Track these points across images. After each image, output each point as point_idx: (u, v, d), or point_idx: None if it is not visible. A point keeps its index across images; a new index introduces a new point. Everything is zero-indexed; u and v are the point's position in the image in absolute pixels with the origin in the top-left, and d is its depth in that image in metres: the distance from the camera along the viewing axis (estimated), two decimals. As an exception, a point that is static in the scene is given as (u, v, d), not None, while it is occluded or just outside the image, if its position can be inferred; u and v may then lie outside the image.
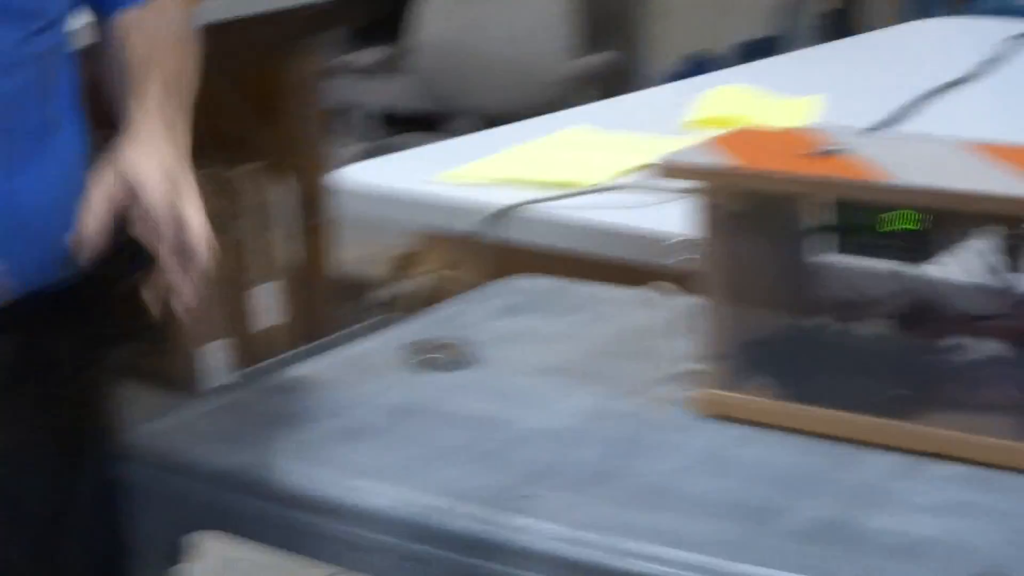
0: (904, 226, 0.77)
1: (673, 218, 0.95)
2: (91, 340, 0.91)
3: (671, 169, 0.86)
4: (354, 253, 2.39)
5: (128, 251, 0.84)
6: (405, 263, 1.49)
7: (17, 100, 0.86)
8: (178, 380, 1.99)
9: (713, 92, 1.52)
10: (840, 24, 3.21)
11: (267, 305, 2.24)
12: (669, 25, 3.29)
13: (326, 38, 2.53)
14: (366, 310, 1.98)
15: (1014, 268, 0.77)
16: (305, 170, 2.24)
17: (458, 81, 2.82)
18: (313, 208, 2.25)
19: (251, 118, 2.22)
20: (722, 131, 0.96)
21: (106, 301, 0.89)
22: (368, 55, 2.98)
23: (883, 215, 0.78)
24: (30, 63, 0.85)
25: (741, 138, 0.89)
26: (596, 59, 2.96)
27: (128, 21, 0.92)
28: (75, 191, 0.85)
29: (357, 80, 3.04)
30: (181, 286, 0.80)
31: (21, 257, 0.84)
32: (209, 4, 1.82)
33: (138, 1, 0.92)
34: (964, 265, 0.80)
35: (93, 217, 0.80)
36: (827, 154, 0.79)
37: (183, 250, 0.80)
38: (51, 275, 0.85)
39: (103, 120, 0.90)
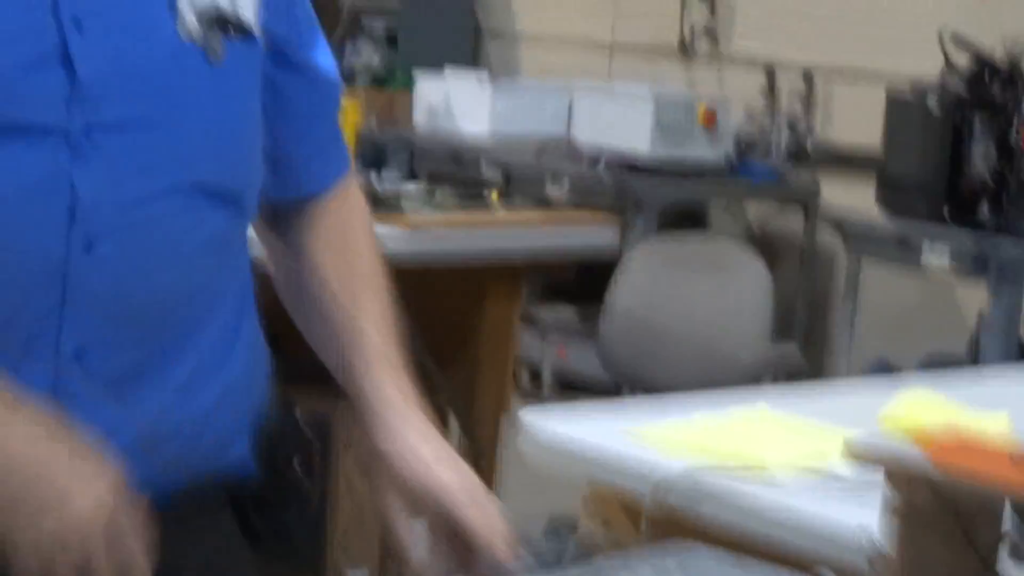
0: None
1: (851, 512, 0.95)
2: (245, 536, 0.87)
3: (866, 453, 0.85)
4: (512, 508, 2.41)
5: (293, 439, 0.84)
6: (563, 522, 1.49)
7: (208, 289, 0.83)
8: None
9: (904, 395, 1.52)
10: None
11: (416, 542, 2.25)
12: (854, 329, 3.33)
13: (525, 289, 2.70)
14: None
15: None
16: (481, 419, 2.32)
17: (642, 353, 2.91)
18: (481, 457, 2.31)
19: (438, 359, 2.35)
20: (919, 435, 0.91)
21: (267, 487, 0.86)
22: (559, 312, 3.13)
23: None
24: (218, 250, 0.82)
25: (941, 438, 0.87)
26: (781, 350, 2.99)
27: (313, 219, 0.89)
28: (251, 393, 0.84)
29: (543, 336, 3.18)
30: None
31: (201, 452, 0.81)
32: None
33: (324, 187, 0.88)
34: None
35: (408, 533, 0.80)
36: None
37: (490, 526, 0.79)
38: (211, 472, 0.82)
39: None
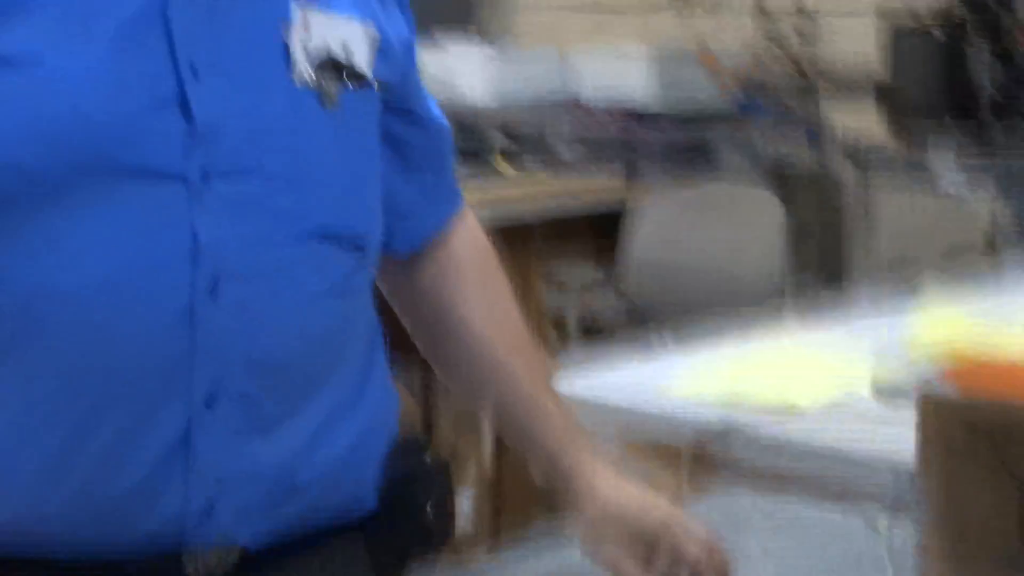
0: None
1: (885, 444, 0.97)
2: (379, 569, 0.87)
3: (894, 389, 0.87)
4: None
5: (425, 481, 0.85)
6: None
7: (337, 334, 0.82)
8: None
9: (926, 316, 1.55)
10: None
11: (462, 512, 2.33)
12: (871, 252, 3.37)
13: (542, 247, 2.72)
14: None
15: None
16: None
17: (664, 292, 2.94)
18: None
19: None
20: (945, 359, 0.97)
21: (398, 532, 0.86)
22: (579, 266, 3.15)
23: None
24: (345, 295, 0.82)
25: (971, 369, 0.90)
26: (800, 279, 3.03)
27: (443, 265, 0.90)
28: (382, 437, 0.84)
29: (564, 290, 3.22)
30: None
31: (335, 496, 0.82)
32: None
33: (442, 228, 0.89)
34: None
35: None
36: None
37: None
38: (345, 517, 0.82)
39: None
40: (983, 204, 3.31)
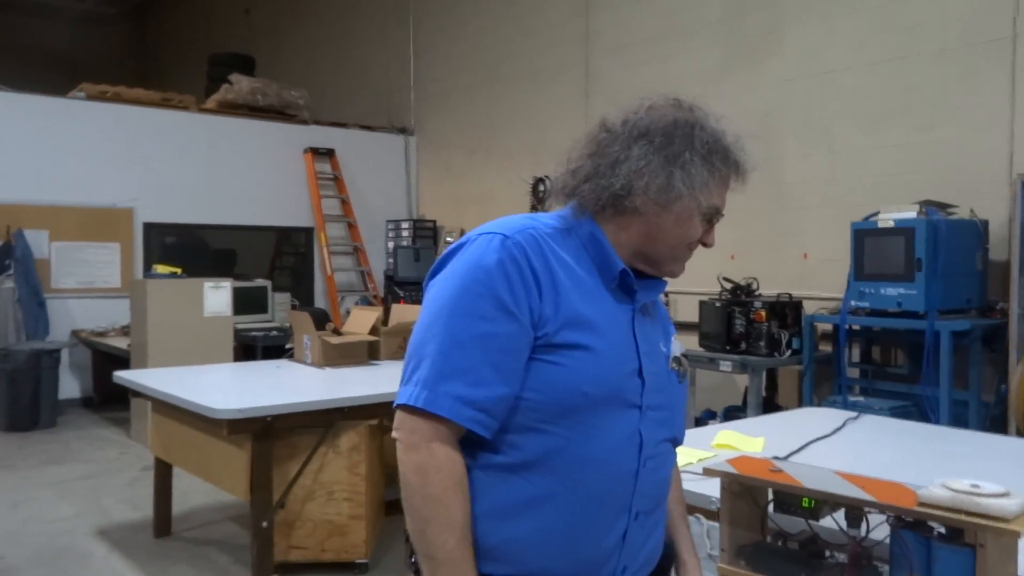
0: (807, 504, 1.50)
1: (708, 488, 1.88)
2: None
3: (711, 469, 1.54)
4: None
5: (668, 550, 1.47)
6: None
7: (668, 480, 1.39)
8: None
9: (722, 432, 2.64)
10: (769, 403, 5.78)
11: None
12: (693, 399, 5.75)
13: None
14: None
15: (853, 525, 1.50)
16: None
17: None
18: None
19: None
20: (729, 453, 2.07)
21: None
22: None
23: (803, 498, 1.45)
24: (672, 464, 1.41)
25: (740, 460, 1.57)
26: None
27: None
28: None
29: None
30: None
31: (653, 558, 1.39)
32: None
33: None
34: (831, 522, 1.51)
35: None
36: (776, 471, 1.51)
37: None
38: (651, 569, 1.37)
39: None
40: (741, 378, 5.80)
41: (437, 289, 1.29)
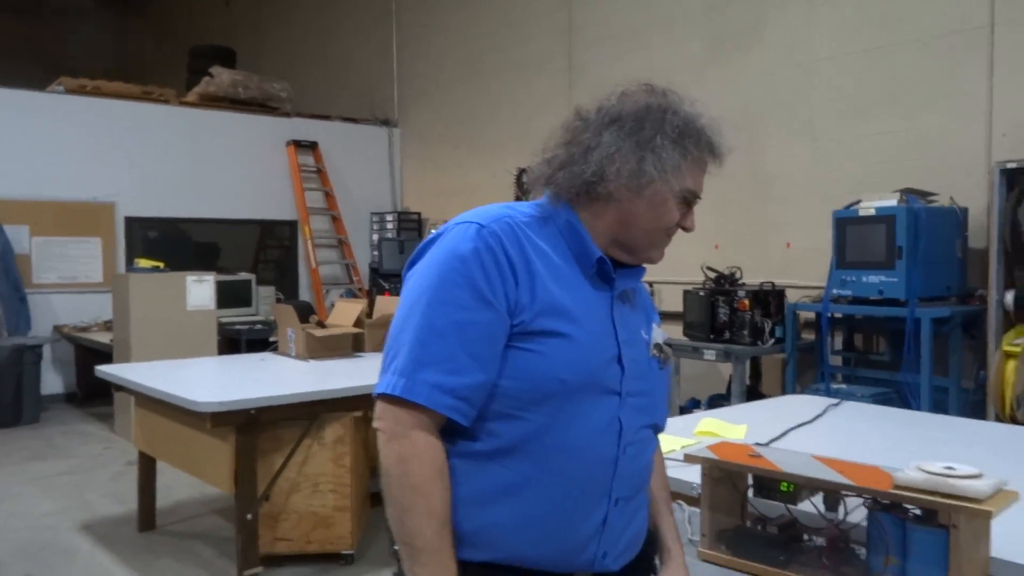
0: (785, 488, 1.54)
1: (690, 474, 1.86)
2: None
3: (692, 456, 1.61)
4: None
5: (652, 539, 1.48)
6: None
7: (649, 466, 1.39)
8: None
9: (705, 420, 2.67)
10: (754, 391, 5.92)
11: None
12: (678, 386, 6.08)
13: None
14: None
15: (831, 509, 1.55)
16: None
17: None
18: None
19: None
20: (711, 440, 2.06)
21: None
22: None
23: (782, 482, 1.50)
24: (652, 449, 1.41)
25: (720, 446, 1.63)
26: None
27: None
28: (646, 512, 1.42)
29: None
30: None
31: (636, 543, 1.39)
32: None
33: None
34: (810, 506, 1.58)
35: None
36: (755, 456, 1.56)
37: None
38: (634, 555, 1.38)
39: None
40: (725, 366, 6.02)
41: (415, 279, 1.30)
